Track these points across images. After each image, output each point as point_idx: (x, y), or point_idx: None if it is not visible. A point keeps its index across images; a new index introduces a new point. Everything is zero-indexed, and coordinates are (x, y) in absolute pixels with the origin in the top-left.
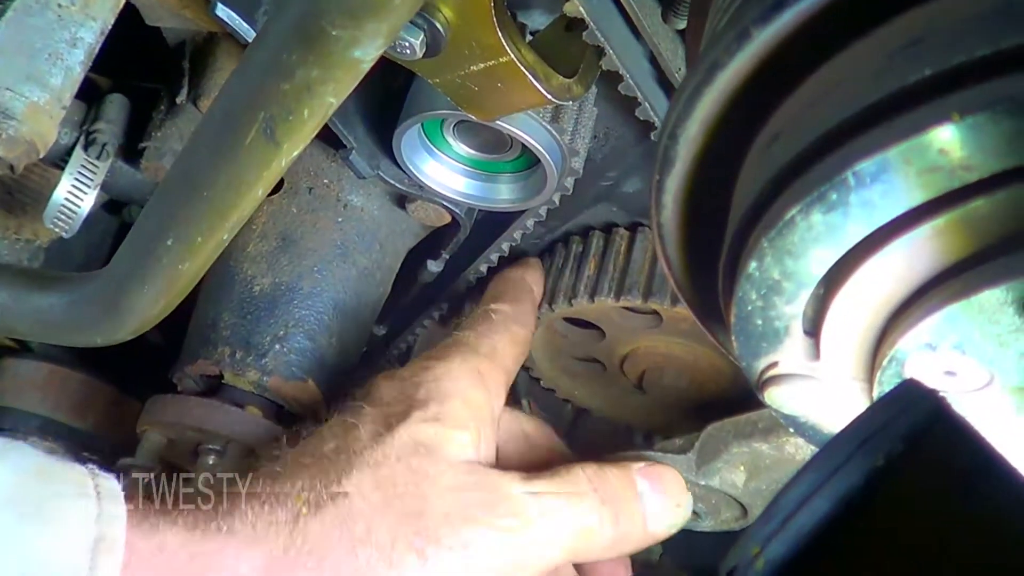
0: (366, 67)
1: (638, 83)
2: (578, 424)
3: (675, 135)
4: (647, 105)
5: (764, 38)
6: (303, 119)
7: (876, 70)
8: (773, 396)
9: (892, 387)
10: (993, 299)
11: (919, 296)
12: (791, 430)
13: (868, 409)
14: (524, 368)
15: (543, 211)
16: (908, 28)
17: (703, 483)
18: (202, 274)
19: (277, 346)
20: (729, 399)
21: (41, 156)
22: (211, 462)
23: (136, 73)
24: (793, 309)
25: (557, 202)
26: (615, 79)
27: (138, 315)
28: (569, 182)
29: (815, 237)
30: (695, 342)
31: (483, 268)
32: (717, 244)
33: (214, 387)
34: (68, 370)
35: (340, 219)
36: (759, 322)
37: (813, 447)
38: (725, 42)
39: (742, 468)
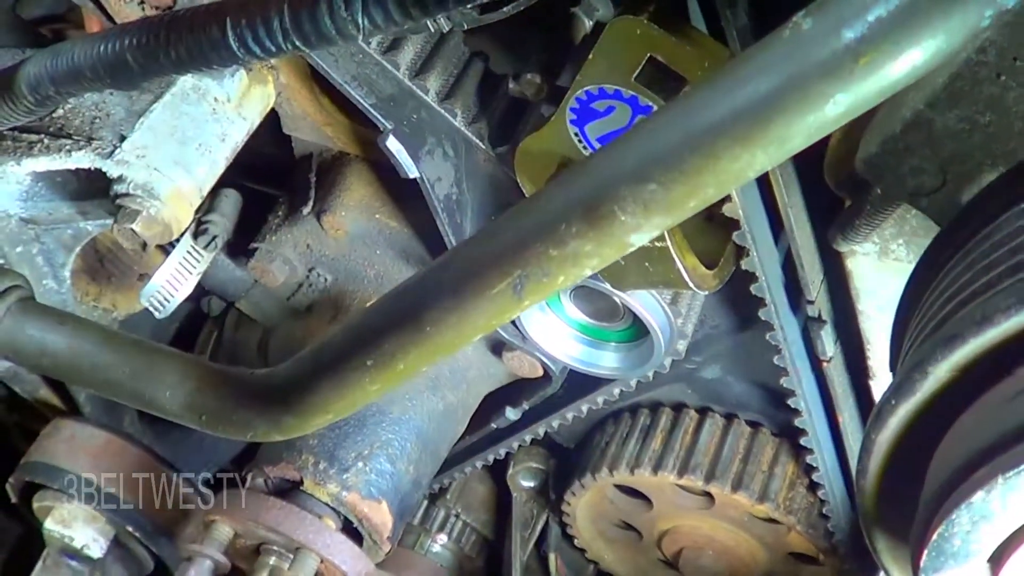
0: (633, 250)
1: (770, 286)
2: None
3: (926, 372)
4: (772, 308)
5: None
6: (556, 283)
7: None
8: None
9: None
10: None
11: None
12: None
13: None
14: (560, 524)
15: (633, 382)
16: None
17: None
18: (381, 397)
19: (360, 463)
20: None
21: (174, 238)
22: (272, 563)
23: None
24: (994, 538)
25: (651, 377)
26: (744, 278)
27: (304, 419)
28: (668, 361)
29: None
30: (741, 530)
31: (555, 424)
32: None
33: (284, 490)
34: (125, 442)
35: None
36: (958, 542)
37: None
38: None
39: None
